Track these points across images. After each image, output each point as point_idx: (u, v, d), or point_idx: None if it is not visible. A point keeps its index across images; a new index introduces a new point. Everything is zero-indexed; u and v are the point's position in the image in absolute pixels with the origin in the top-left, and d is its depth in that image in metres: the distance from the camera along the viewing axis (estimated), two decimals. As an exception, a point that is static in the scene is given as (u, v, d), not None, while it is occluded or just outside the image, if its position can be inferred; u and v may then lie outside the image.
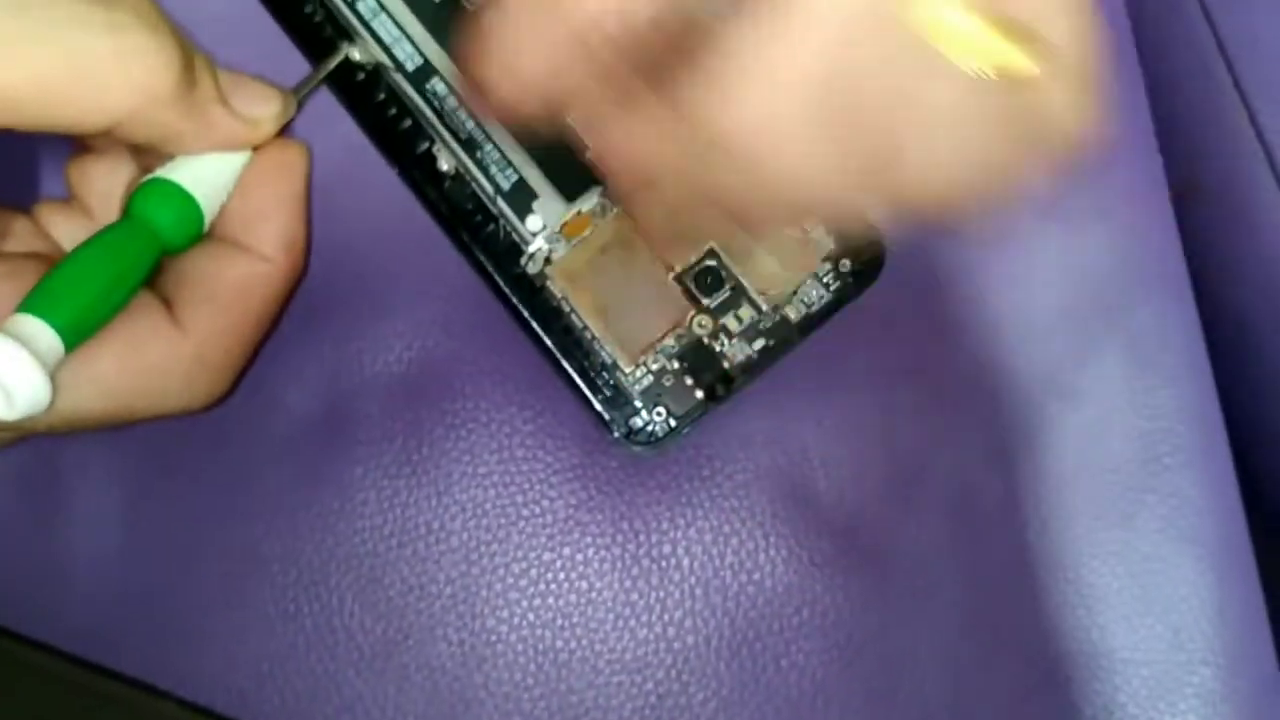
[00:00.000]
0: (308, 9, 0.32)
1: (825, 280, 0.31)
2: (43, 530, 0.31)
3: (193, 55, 0.25)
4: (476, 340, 0.32)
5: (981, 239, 0.33)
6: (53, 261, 0.27)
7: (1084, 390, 0.32)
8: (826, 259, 0.31)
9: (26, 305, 0.24)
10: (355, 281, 0.32)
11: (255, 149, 0.28)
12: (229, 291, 0.26)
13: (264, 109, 0.27)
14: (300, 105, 0.29)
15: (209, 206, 0.27)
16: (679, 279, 0.31)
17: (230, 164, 0.27)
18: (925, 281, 0.32)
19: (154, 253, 0.26)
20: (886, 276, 0.31)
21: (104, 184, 0.29)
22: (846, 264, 0.31)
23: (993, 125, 0.20)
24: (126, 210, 0.26)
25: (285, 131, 0.28)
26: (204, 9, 0.32)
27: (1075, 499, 0.32)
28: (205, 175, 0.27)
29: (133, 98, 0.24)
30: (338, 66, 0.32)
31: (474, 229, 0.32)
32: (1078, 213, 0.33)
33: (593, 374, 0.31)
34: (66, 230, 0.29)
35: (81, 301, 0.24)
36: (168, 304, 0.26)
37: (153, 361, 0.25)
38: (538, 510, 0.32)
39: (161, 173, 0.26)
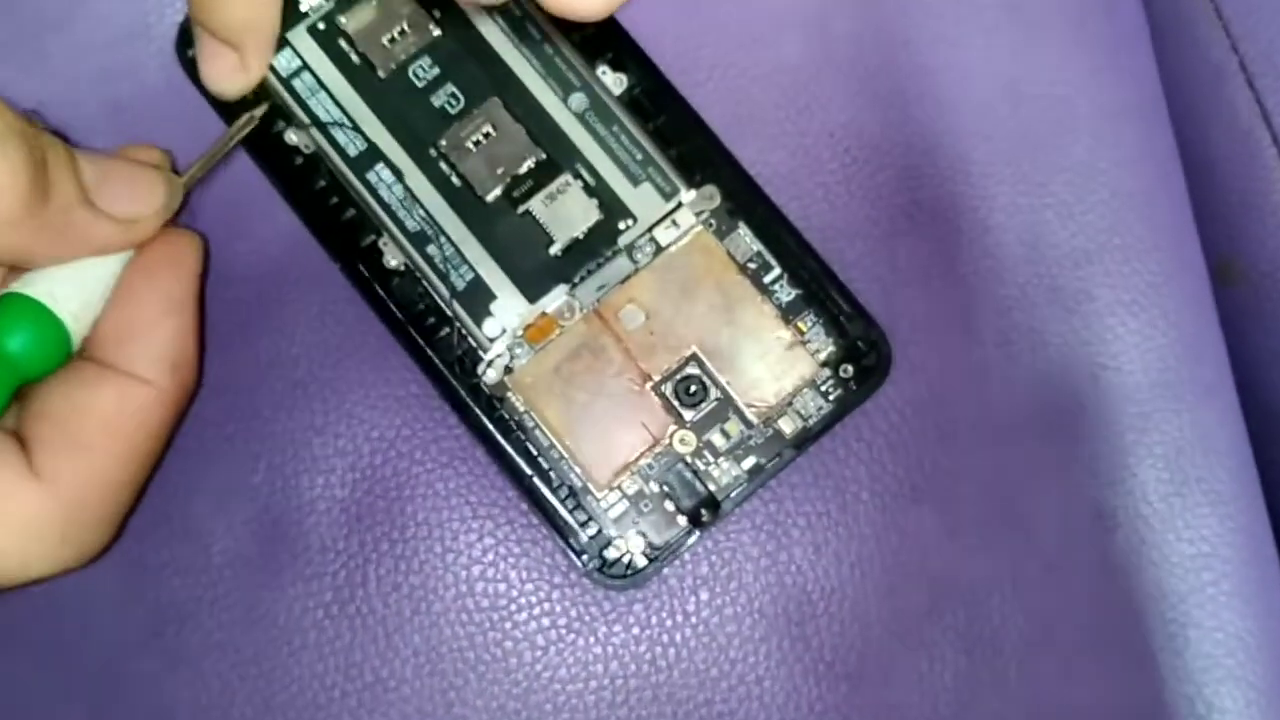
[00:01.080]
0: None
1: (824, 389, 0.28)
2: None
3: (45, 153, 0.21)
4: (429, 458, 0.28)
5: (998, 337, 0.29)
6: None
7: (1116, 509, 0.29)
8: (825, 364, 0.28)
9: None
10: (292, 391, 0.28)
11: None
12: (100, 428, 0.22)
13: (141, 205, 0.23)
14: (194, 184, 0.25)
15: (77, 324, 0.23)
16: (657, 389, 0.28)
17: (104, 269, 0.23)
18: (935, 387, 0.29)
19: (9, 386, 0.22)
20: (892, 382, 0.28)
21: None
22: (848, 369, 0.28)
23: None
24: None
25: (176, 220, 0.25)
26: (139, 87, 0.29)
27: (1108, 635, 0.28)
28: (72, 286, 0.22)
29: None
30: (273, 147, 0.28)
31: (426, 332, 0.28)
32: (1103, 308, 0.29)
33: (560, 498, 0.27)
34: None
35: None
36: (26, 447, 0.22)
37: (12, 522, 0.21)
38: (499, 654, 0.28)
39: (17, 287, 0.22)
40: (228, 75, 0.27)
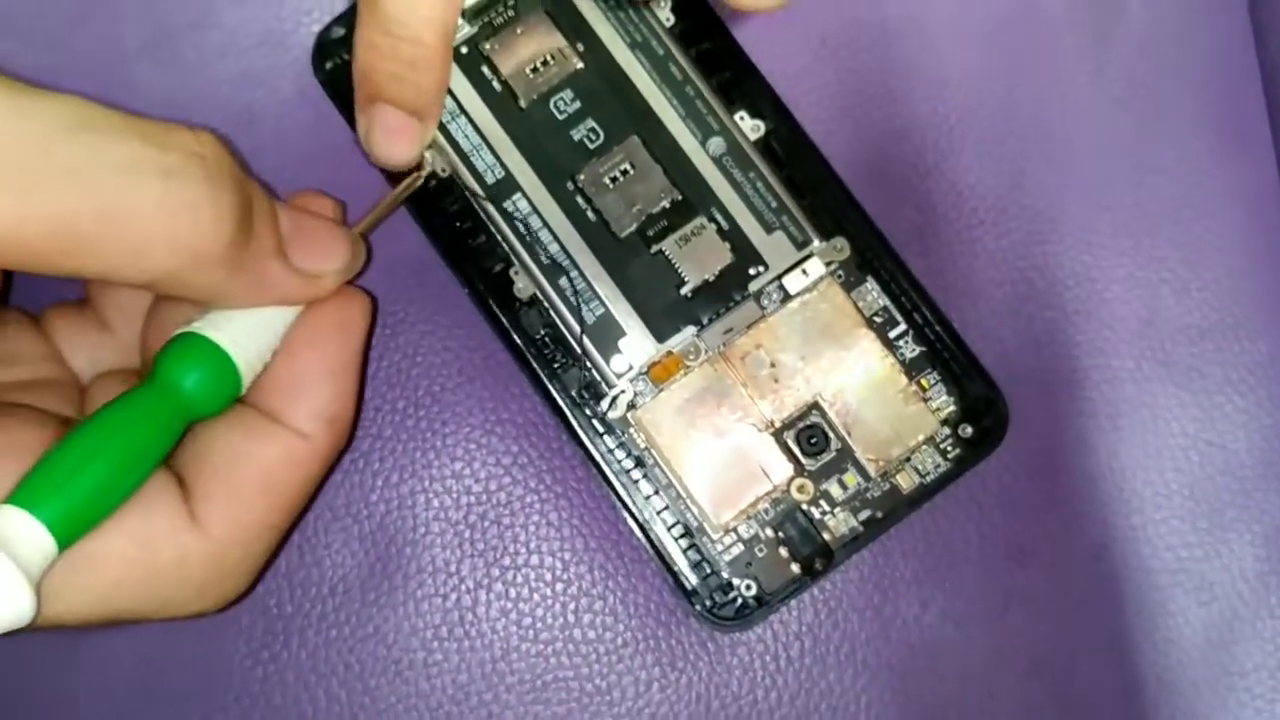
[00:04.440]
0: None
1: (943, 446, 0.28)
2: (54, 681, 0.27)
3: (252, 201, 0.21)
4: (544, 486, 0.29)
5: (1109, 408, 0.29)
6: (68, 399, 0.23)
7: (1213, 583, 0.29)
8: (945, 422, 0.28)
9: (16, 496, 0.19)
10: (414, 412, 0.29)
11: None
12: (258, 479, 0.22)
13: (328, 263, 0.23)
14: (369, 242, 0.26)
15: (248, 370, 0.23)
16: (778, 436, 0.28)
17: (278, 320, 0.23)
18: (1046, 453, 0.29)
19: (179, 425, 0.22)
20: (1007, 444, 0.28)
21: (125, 298, 0.25)
22: (967, 429, 0.28)
23: None
24: (154, 370, 0.22)
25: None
26: (272, 95, 0.29)
27: (1199, 705, 0.29)
28: (248, 333, 0.23)
29: (174, 259, 0.20)
30: (407, 170, 0.28)
31: (549, 363, 0.28)
32: (1213, 385, 0.30)
33: (676, 538, 0.28)
34: (83, 349, 0.25)
35: (83, 493, 0.20)
36: (185, 487, 0.22)
37: (164, 565, 0.21)
38: (603, 686, 0.28)
39: (198, 327, 0.22)
40: (409, 144, 0.27)
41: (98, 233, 0.19)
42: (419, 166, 0.28)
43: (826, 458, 0.28)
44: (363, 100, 0.26)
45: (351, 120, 0.29)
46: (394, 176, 0.28)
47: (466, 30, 0.29)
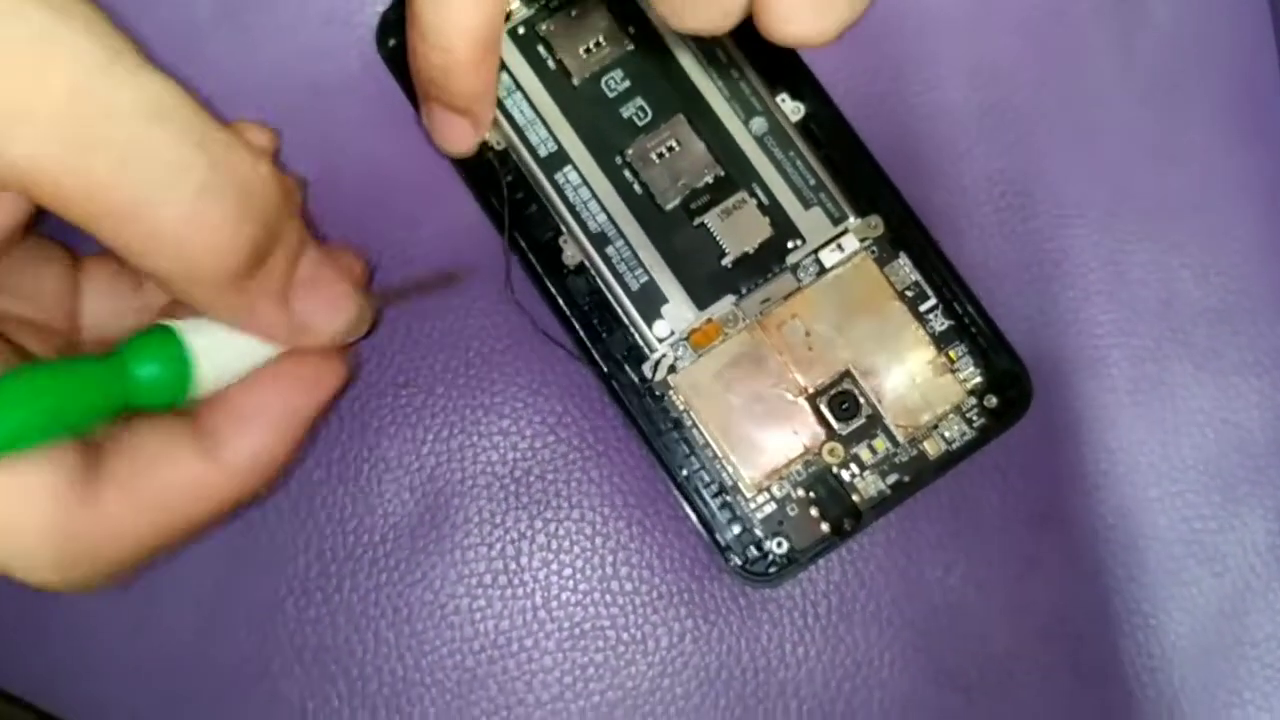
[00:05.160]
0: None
1: (969, 415, 0.29)
2: (127, 623, 0.29)
3: (279, 239, 0.21)
4: (587, 445, 0.30)
5: (1129, 385, 0.31)
6: (50, 346, 0.23)
7: (1225, 554, 0.30)
8: (971, 392, 0.29)
9: None
10: (465, 371, 0.30)
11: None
12: (155, 490, 0.21)
13: (326, 322, 0.23)
14: (379, 313, 0.26)
15: (202, 387, 0.22)
16: (811, 401, 0.29)
17: (260, 352, 0.23)
18: (1068, 425, 0.30)
19: (117, 406, 0.21)
20: (1030, 416, 0.29)
21: None
22: (992, 399, 0.29)
23: None
24: (120, 348, 0.21)
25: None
26: (338, 69, 0.30)
27: (1209, 672, 0.30)
28: (225, 351, 0.22)
29: (176, 265, 0.20)
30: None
31: (593, 328, 0.30)
32: (1229, 366, 0.31)
33: (711, 496, 0.29)
34: (109, 301, 0.25)
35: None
36: (89, 463, 0.21)
37: (27, 522, 0.20)
38: (639, 636, 0.29)
39: (179, 325, 0.22)
40: (461, 139, 0.29)
41: (119, 215, 0.19)
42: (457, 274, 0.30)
43: (857, 423, 0.29)
44: (419, 95, 0.28)
45: (412, 97, 0.31)
46: (458, 161, 0.30)
47: (524, 12, 0.31)
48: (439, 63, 0.26)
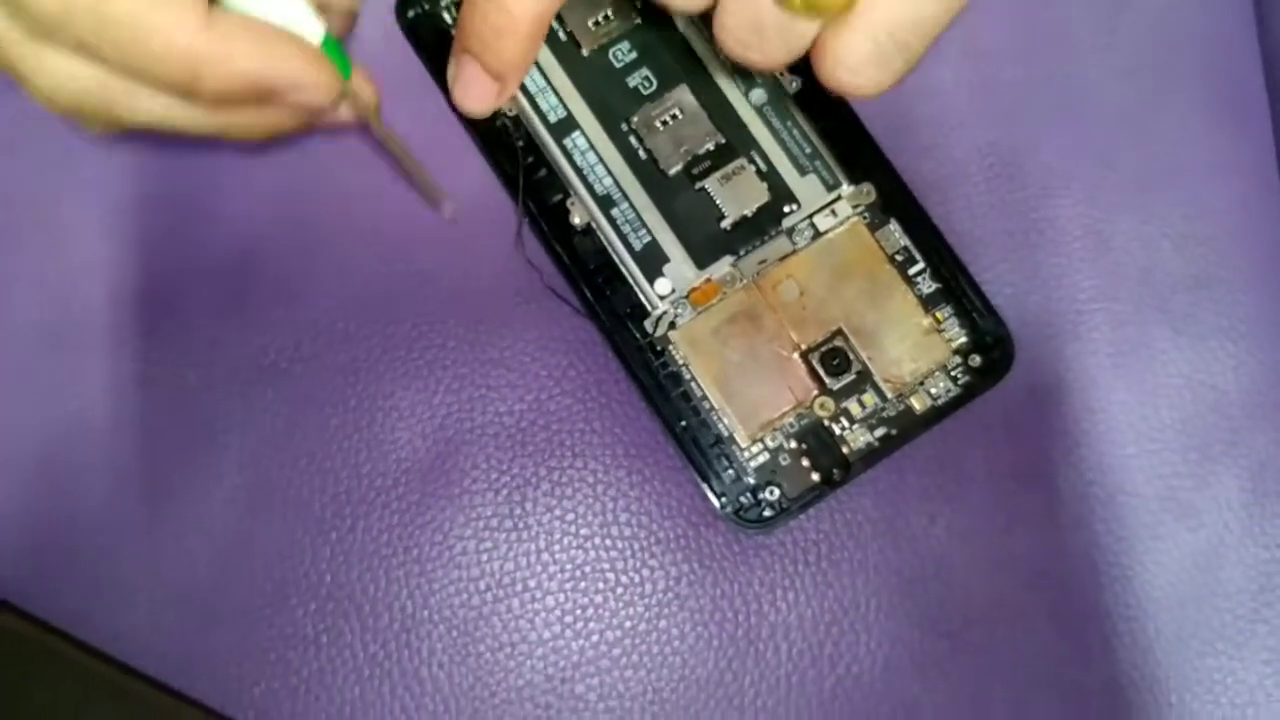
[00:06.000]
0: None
1: (954, 373, 0.31)
2: (141, 547, 0.31)
3: None
4: (590, 398, 0.32)
5: (1110, 348, 0.32)
6: None
7: (1201, 511, 0.32)
8: (957, 352, 0.31)
9: None
10: (475, 326, 0.32)
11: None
12: (118, 25, 0.23)
13: None
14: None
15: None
16: (804, 357, 0.31)
17: (299, 13, 0.25)
18: (1050, 385, 0.32)
19: None
20: (1013, 377, 0.31)
21: None
22: (976, 359, 0.31)
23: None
24: None
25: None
26: (356, 42, 0.32)
27: (1184, 622, 0.31)
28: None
29: None
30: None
31: (598, 287, 0.31)
32: (1206, 331, 0.32)
33: (707, 446, 0.31)
34: None
35: None
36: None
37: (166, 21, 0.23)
38: (637, 579, 0.31)
39: None
40: (483, 101, 0.30)
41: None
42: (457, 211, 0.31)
43: (847, 379, 0.31)
44: (457, 48, 0.29)
45: (428, 67, 0.32)
46: (471, 122, 0.32)
47: (537, -13, 0.32)
48: (496, 23, 0.27)
